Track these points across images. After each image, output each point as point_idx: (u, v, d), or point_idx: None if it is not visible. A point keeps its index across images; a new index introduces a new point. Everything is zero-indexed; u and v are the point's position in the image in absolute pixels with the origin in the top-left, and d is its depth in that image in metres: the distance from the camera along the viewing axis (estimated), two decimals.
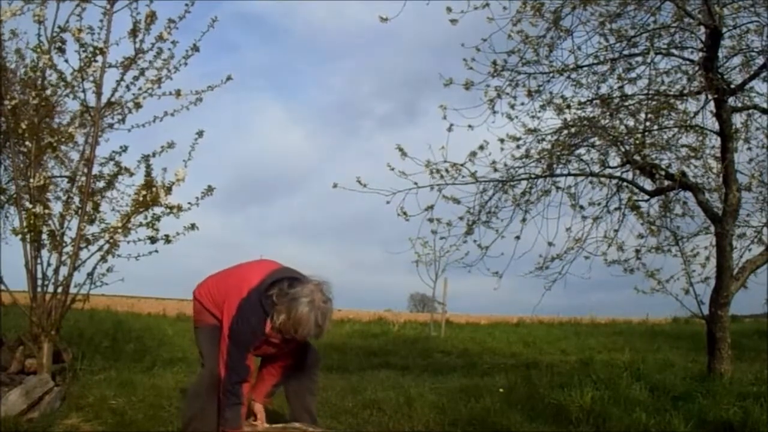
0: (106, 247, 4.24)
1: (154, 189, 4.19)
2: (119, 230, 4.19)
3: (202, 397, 2.96)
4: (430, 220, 5.13)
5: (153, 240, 4.26)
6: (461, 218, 5.27)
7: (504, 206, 5.39)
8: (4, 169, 5.13)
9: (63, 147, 5.14)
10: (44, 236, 4.16)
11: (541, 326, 14.61)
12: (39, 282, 4.19)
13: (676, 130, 5.44)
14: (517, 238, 5.30)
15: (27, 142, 4.17)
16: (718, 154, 5.16)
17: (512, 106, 5.22)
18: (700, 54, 4.97)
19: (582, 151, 5.50)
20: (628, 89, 5.28)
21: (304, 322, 2.73)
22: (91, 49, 4.09)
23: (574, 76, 5.18)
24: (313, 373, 3.23)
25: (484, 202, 5.33)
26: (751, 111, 5.39)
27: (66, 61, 4.15)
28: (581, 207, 5.47)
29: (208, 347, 3.02)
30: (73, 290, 4.26)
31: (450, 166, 5.07)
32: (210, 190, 4.29)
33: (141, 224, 4.26)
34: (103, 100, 4.21)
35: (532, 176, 5.41)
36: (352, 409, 4.23)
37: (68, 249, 4.19)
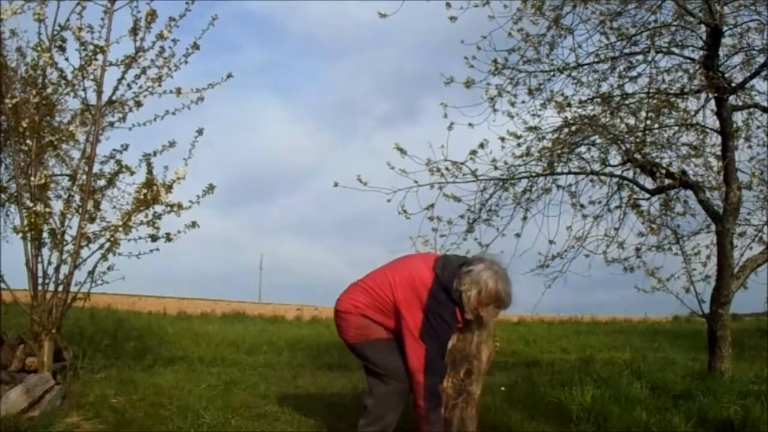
0: (107, 245, 4.23)
1: (154, 187, 4.19)
2: (120, 228, 4.18)
3: (392, 409, 3.01)
4: (431, 219, 5.12)
5: (154, 238, 4.26)
6: (462, 216, 5.28)
7: (504, 204, 5.40)
8: (4, 168, 5.15)
9: (64, 145, 5.14)
10: (45, 234, 4.16)
11: (541, 324, 14.62)
12: (40, 280, 4.19)
13: (676, 128, 5.44)
14: (518, 236, 5.31)
15: (28, 141, 4.17)
16: (719, 153, 5.16)
17: (513, 104, 5.23)
18: (701, 52, 4.98)
19: (582, 149, 5.51)
20: (629, 87, 5.31)
21: (498, 293, 2.85)
22: (91, 47, 4.09)
23: (574, 74, 5.20)
24: None
25: (484, 200, 5.33)
26: (751, 109, 5.40)
27: (66, 59, 4.16)
28: (582, 205, 5.48)
29: (390, 360, 2.98)
30: (73, 288, 4.26)
31: (450, 165, 5.07)
32: (211, 188, 4.28)
33: (142, 222, 4.25)
34: (104, 98, 4.21)
35: (533, 174, 5.41)
36: (353, 407, 4.22)
37: (69, 247, 4.19)
